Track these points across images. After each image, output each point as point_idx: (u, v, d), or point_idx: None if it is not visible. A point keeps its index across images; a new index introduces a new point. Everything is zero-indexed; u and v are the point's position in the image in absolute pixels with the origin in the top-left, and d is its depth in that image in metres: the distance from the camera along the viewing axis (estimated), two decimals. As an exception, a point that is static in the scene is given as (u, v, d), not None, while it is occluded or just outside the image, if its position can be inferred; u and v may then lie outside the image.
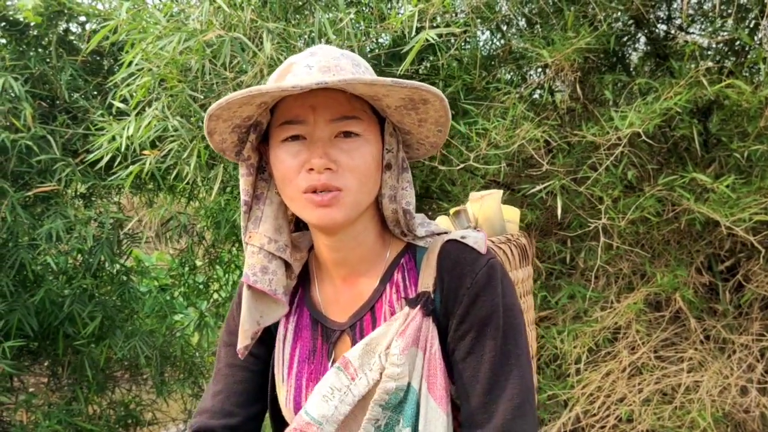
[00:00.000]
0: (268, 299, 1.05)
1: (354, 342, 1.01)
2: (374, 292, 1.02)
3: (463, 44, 2.29)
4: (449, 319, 0.98)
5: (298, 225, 1.14)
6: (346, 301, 1.05)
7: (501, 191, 1.14)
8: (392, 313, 1.00)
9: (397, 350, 0.94)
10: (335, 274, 1.06)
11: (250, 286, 1.03)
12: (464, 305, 0.97)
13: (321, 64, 0.95)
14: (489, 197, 1.23)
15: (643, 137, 2.00)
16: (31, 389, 3.06)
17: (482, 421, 0.95)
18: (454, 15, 2.22)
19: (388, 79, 0.89)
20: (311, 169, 0.93)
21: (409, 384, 0.95)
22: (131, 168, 2.07)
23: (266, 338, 1.11)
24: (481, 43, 2.55)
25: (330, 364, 1.02)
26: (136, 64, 1.89)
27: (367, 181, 0.97)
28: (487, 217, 1.14)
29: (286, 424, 1.07)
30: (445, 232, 1.06)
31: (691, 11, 2.45)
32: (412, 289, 1.01)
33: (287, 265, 1.07)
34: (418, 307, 0.97)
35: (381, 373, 0.95)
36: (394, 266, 1.04)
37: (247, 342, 1.04)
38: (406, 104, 0.97)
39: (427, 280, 0.99)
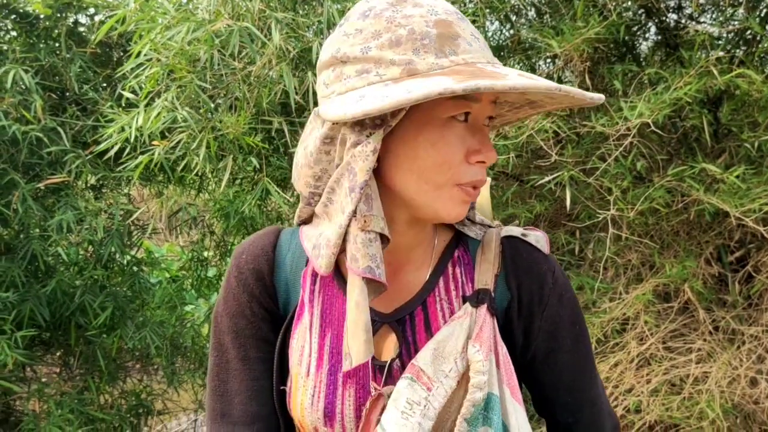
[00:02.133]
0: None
1: (402, 340, 0.90)
2: (426, 284, 0.91)
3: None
4: (528, 323, 0.92)
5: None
6: (392, 291, 0.92)
7: (490, 179, 1.09)
8: (451, 311, 0.90)
9: (481, 356, 0.84)
10: (385, 259, 0.90)
11: (370, 280, 0.83)
12: (554, 306, 0.91)
13: (478, 35, 0.82)
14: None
15: (653, 128, 1.99)
16: (43, 379, 3.10)
17: (594, 413, 0.97)
18: (463, 5, 2.21)
19: (597, 96, 0.78)
20: (480, 162, 0.81)
21: (490, 394, 0.86)
22: (140, 158, 2.08)
23: (277, 322, 0.96)
24: (490, 34, 2.54)
25: (370, 361, 0.87)
26: (145, 55, 1.90)
27: None
28: (480, 205, 1.09)
29: (291, 427, 0.95)
30: (490, 225, 0.98)
31: (702, 0, 2.43)
32: (469, 286, 0.91)
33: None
34: (485, 306, 0.88)
35: (458, 381, 0.85)
36: (447, 258, 0.93)
37: (370, 354, 0.83)
38: (515, 102, 0.90)
39: (484, 276, 0.90)
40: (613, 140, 2.03)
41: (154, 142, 2.03)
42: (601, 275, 2.31)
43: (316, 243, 0.87)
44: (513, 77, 0.73)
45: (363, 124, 0.79)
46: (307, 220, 0.96)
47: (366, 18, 0.81)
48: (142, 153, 2.12)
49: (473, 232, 0.95)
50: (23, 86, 2.59)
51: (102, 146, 2.25)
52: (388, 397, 0.86)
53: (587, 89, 2.36)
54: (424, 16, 0.79)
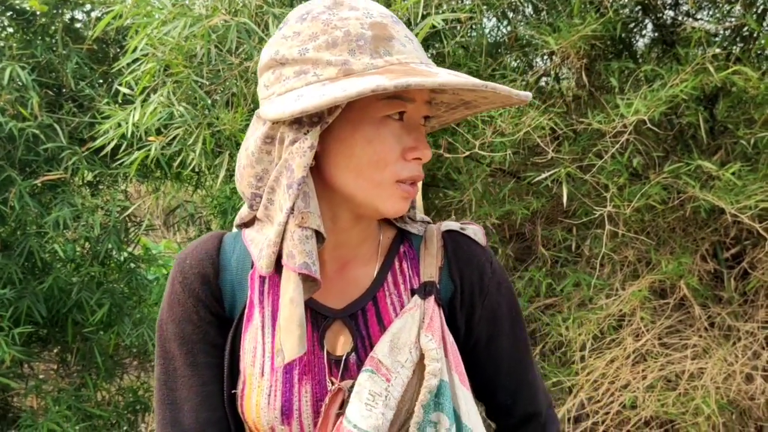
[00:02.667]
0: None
1: (355, 332, 0.91)
2: (375, 279, 0.94)
3: (469, 31, 2.29)
4: (470, 312, 0.96)
5: None
6: (341, 287, 0.94)
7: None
8: (401, 304, 0.93)
9: (434, 344, 0.88)
10: (330, 256, 0.93)
11: (306, 277, 0.85)
12: (493, 294, 0.96)
13: (412, 37, 0.86)
14: None
15: (649, 125, 1.99)
16: (40, 376, 3.10)
17: (530, 397, 1.02)
18: (460, 1, 2.21)
19: (523, 93, 0.82)
20: (417, 159, 0.85)
21: (441, 381, 0.89)
22: (136, 154, 2.08)
23: (224, 325, 0.95)
24: (487, 30, 2.55)
25: (325, 356, 0.90)
26: (141, 50, 1.90)
27: None
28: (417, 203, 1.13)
29: (238, 423, 0.95)
30: (429, 222, 1.02)
31: (698, -3, 2.43)
32: (415, 279, 0.95)
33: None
34: (432, 298, 0.92)
35: (413, 370, 0.88)
36: (393, 253, 0.96)
37: (303, 351, 0.84)
38: (450, 103, 0.93)
39: (429, 270, 0.94)
40: (610, 137, 2.04)
41: (150, 138, 2.03)
42: (598, 272, 2.31)
43: (261, 246, 0.88)
44: (443, 76, 0.77)
45: (301, 123, 0.81)
46: (248, 223, 0.97)
47: (303, 21, 0.84)
48: (139, 149, 2.12)
49: (415, 229, 0.98)
50: (20, 83, 2.59)
51: (98, 142, 2.25)
52: (348, 391, 0.88)
53: (584, 86, 2.36)
54: (359, 18, 0.82)
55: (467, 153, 2.08)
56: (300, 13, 0.85)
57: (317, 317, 0.92)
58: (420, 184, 0.94)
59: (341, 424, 0.87)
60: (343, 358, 0.91)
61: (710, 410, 2.07)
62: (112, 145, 2.18)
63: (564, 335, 2.34)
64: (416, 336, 0.89)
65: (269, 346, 0.91)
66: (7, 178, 2.54)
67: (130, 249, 3.05)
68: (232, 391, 0.93)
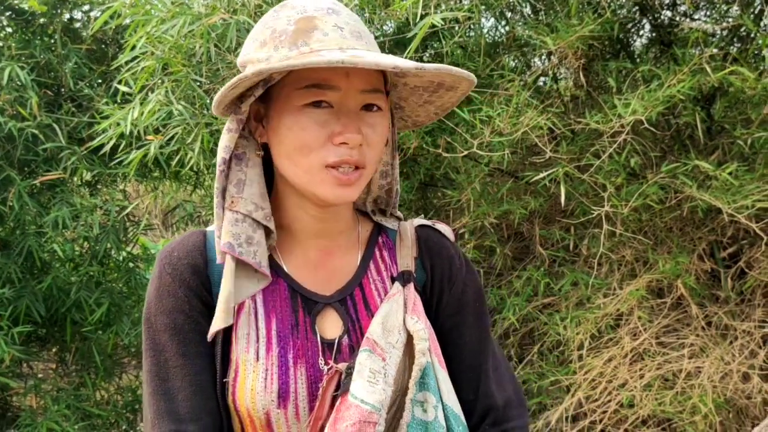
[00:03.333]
0: (246, 272, 0.94)
1: (345, 317, 0.96)
2: (359, 267, 1.00)
3: (467, 31, 2.29)
4: (440, 299, 1.02)
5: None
6: (327, 274, 0.98)
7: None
8: (385, 290, 0.99)
9: (421, 325, 0.94)
10: (312, 245, 0.98)
11: (233, 257, 0.91)
12: (459, 283, 1.02)
13: (350, 27, 0.89)
14: None
15: (646, 125, 2.00)
16: (39, 375, 3.10)
17: (498, 392, 1.03)
18: (459, 1, 2.22)
19: (465, 72, 0.86)
20: (343, 143, 0.87)
21: (426, 362, 0.96)
22: (135, 153, 2.09)
23: (214, 315, 0.95)
24: (485, 30, 2.55)
25: (318, 339, 0.94)
26: (140, 48, 1.90)
27: (380, 157, 0.96)
28: None
29: (228, 414, 0.96)
30: (401, 219, 1.08)
31: (695, -2, 2.44)
32: (394, 267, 1.01)
33: (267, 235, 0.97)
34: (411, 285, 0.98)
35: (403, 351, 0.94)
36: (373, 244, 1.03)
37: (228, 323, 0.91)
38: (430, 86, 0.95)
39: (406, 260, 1.01)
40: (607, 137, 2.05)
41: (149, 137, 2.03)
42: (596, 271, 2.32)
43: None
44: (335, 56, 0.81)
45: (234, 112, 0.91)
46: None
47: (257, 27, 0.93)
48: (138, 148, 2.13)
49: (390, 224, 1.06)
50: (19, 83, 2.59)
51: (97, 141, 2.25)
52: (344, 373, 0.92)
53: (582, 86, 2.37)
54: (290, 16, 0.89)
55: (465, 153, 2.09)
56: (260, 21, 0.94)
57: (308, 303, 0.96)
58: (372, 174, 0.95)
59: (346, 400, 0.89)
60: (336, 341, 0.95)
61: (707, 409, 2.08)
62: (111, 144, 2.18)
63: (562, 334, 2.35)
64: (402, 319, 0.95)
65: (264, 332, 0.94)
66: (6, 177, 2.55)
67: (128, 248, 3.06)
68: (223, 380, 0.94)
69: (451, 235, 1.06)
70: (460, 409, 0.99)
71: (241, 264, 0.92)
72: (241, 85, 0.84)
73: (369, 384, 0.88)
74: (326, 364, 0.92)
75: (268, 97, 0.92)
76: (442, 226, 1.06)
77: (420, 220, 1.07)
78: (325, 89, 0.87)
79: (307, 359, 0.93)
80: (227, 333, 0.94)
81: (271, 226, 0.95)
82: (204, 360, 0.94)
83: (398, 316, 0.95)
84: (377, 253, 1.02)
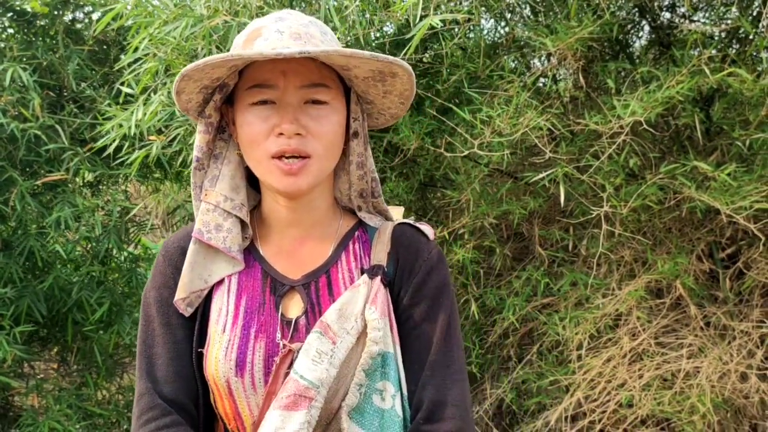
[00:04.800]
0: (219, 257, 1.06)
1: (307, 300, 1.03)
2: (330, 257, 1.07)
3: (467, 32, 2.31)
4: (401, 290, 1.06)
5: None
6: (298, 261, 1.07)
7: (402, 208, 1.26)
8: (351, 280, 1.05)
9: (377, 314, 0.99)
10: (287, 234, 1.08)
11: (200, 241, 1.05)
12: (421, 275, 1.05)
13: (292, 30, 0.98)
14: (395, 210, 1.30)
15: (645, 126, 2.01)
16: (40, 375, 3.11)
17: (435, 388, 1.02)
18: (458, 3, 2.23)
19: (366, 53, 0.94)
20: (281, 134, 0.97)
21: (386, 353, 1.00)
22: (137, 153, 2.10)
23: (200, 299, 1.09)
24: (485, 32, 2.57)
25: (279, 317, 1.03)
26: (143, 50, 1.91)
27: (333, 148, 1.02)
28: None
29: (204, 382, 1.05)
30: (390, 219, 1.14)
31: (694, -1, 2.45)
32: (366, 261, 1.07)
33: (242, 225, 1.08)
34: (379, 278, 1.03)
35: (357, 338, 0.99)
36: (348, 237, 1.09)
37: (184, 295, 1.04)
38: (375, 76, 1.02)
39: (380, 255, 1.06)
40: (607, 138, 2.06)
41: (151, 137, 2.04)
42: (595, 271, 2.33)
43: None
44: (258, 50, 0.93)
45: (201, 116, 1.05)
46: None
47: None
48: (140, 149, 2.14)
49: (373, 222, 1.12)
50: (21, 84, 2.60)
51: (100, 143, 2.26)
52: (297, 352, 0.99)
53: (581, 87, 2.38)
54: (248, 29, 1.01)
55: (466, 153, 2.10)
56: None
57: (276, 285, 1.06)
58: (325, 164, 1.02)
59: (289, 376, 0.97)
60: (294, 320, 1.03)
61: (705, 409, 2.09)
62: (114, 145, 2.19)
63: (561, 334, 2.35)
64: (362, 309, 1.00)
65: (232, 307, 1.04)
66: (8, 178, 2.56)
67: (130, 249, 3.07)
68: (199, 350, 1.05)
69: (430, 234, 1.10)
70: None
71: (215, 250, 1.05)
72: (186, 90, 0.98)
73: (312, 363, 0.96)
74: (283, 338, 1.01)
75: (235, 99, 1.04)
76: (422, 225, 1.11)
77: (404, 220, 1.12)
78: (265, 88, 0.98)
79: (268, 335, 1.02)
80: (206, 308, 1.06)
81: (242, 215, 1.06)
82: (184, 331, 1.06)
83: (358, 305, 1.00)
84: (351, 245, 1.08)
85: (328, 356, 0.97)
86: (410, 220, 1.12)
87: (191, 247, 1.05)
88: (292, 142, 0.97)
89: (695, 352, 2.24)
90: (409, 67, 0.99)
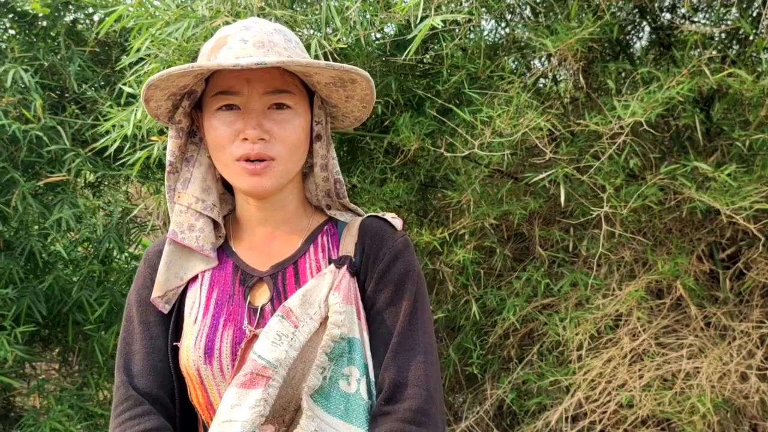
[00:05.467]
0: (194, 255, 1.12)
1: (273, 289, 1.07)
2: (299, 249, 1.11)
3: (467, 33, 2.31)
4: (367, 276, 1.08)
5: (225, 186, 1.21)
6: (268, 255, 1.11)
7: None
8: (318, 269, 1.08)
9: (338, 299, 1.02)
10: (257, 231, 1.13)
11: (174, 242, 1.10)
12: (385, 262, 1.07)
13: (256, 39, 1.02)
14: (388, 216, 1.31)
15: (646, 126, 2.01)
16: (42, 376, 3.12)
17: (396, 370, 1.03)
18: (458, 4, 2.24)
19: (322, 62, 0.99)
20: (245, 139, 1.01)
21: (352, 338, 1.03)
22: (139, 154, 2.10)
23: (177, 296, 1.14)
24: (485, 33, 2.57)
25: (246, 306, 1.07)
26: (144, 50, 1.92)
27: (297, 150, 1.06)
28: None
29: (181, 376, 1.09)
30: (361, 214, 1.18)
31: (695, 0, 2.46)
32: (335, 252, 1.10)
33: (215, 224, 1.13)
34: (345, 267, 1.06)
35: (320, 322, 1.02)
36: (318, 231, 1.13)
37: (161, 293, 1.09)
38: (335, 82, 1.06)
39: (348, 246, 1.10)
40: (607, 138, 2.06)
41: (153, 138, 2.05)
42: (595, 272, 2.33)
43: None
44: (220, 60, 0.98)
45: (171, 122, 1.10)
46: None
47: None
48: (142, 149, 2.14)
49: (344, 218, 1.16)
50: (23, 85, 2.61)
51: (101, 143, 2.27)
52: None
53: (582, 88, 2.39)
54: (215, 37, 1.05)
55: (466, 153, 2.11)
56: None
57: (245, 276, 1.10)
58: (288, 165, 1.05)
59: (248, 356, 1.00)
60: (260, 307, 1.06)
61: (705, 409, 2.09)
62: (115, 146, 2.20)
63: (561, 335, 2.36)
64: (326, 295, 1.03)
65: (204, 299, 1.09)
66: (10, 179, 2.57)
67: (130, 249, 3.08)
68: (174, 344, 1.09)
69: (398, 225, 1.13)
70: None
71: (188, 249, 1.11)
72: (154, 97, 1.03)
73: (272, 344, 0.99)
74: (249, 325, 1.04)
75: (203, 105, 1.08)
76: (389, 216, 1.15)
77: (373, 214, 1.16)
78: (229, 94, 1.02)
79: (235, 323, 1.06)
80: (181, 304, 1.11)
81: (213, 215, 1.12)
82: (160, 328, 1.11)
83: (322, 292, 1.04)
84: (320, 239, 1.12)
85: (288, 338, 1.00)
86: (379, 213, 1.16)
87: (166, 247, 1.11)
88: (256, 147, 1.01)
89: (695, 353, 2.24)
90: (367, 74, 1.03)
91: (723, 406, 2.18)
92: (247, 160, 1.02)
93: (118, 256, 2.98)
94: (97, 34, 2.65)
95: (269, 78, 1.02)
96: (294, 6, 2.06)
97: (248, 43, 1.01)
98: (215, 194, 1.13)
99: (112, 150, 2.25)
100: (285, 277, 1.09)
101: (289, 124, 1.04)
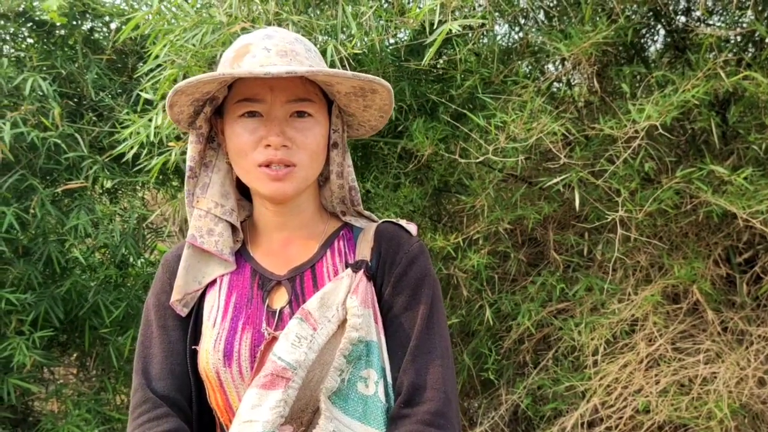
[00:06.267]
0: (213, 259, 1.13)
1: (291, 292, 1.09)
2: (316, 253, 1.13)
3: (480, 38, 2.32)
4: (384, 281, 1.09)
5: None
6: (285, 259, 1.13)
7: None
8: (335, 273, 1.10)
9: (356, 302, 1.03)
10: (275, 236, 1.14)
11: (193, 246, 1.12)
12: (402, 266, 1.09)
13: (278, 47, 1.04)
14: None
15: (661, 130, 2.01)
16: (60, 380, 3.15)
17: (415, 373, 1.03)
18: (472, 9, 2.24)
19: (349, 72, 1.01)
20: (268, 145, 1.03)
21: (369, 341, 1.04)
22: (157, 160, 2.12)
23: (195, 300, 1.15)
24: (498, 37, 2.57)
25: (265, 309, 1.08)
26: (164, 56, 1.94)
27: (317, 157, 1.08)
28: None
29: (200, 379, 1.10)
30: (376, 220, 1.19)
31: (710, 3, 2.45)
32: (351, 257, 1.12)
33: (233, 228, 1.15)
34: (362, 271, 1.07)
35: (338, 325, 1.03)
36: (334, 236, 1.15)
37: (179, 296, 1.11)
38: (356, 92, 1.08)
39: (364, 251, 1.11)
40: (622, 142, 2.05)
41: (171, 143, 2.07)
42: (610, 276, 2.32)
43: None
44: (248, 68, 0.99)
45: (192, 127, 1.11)
46: None
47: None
48: (159, 155, 2.16)
49: (359, 223, 1.17)
50: (41, 93, 2.65)
51: (119, 149, 2.29)
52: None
53: (596, 92, 2.38)
54: (236, 46, 1.07)
55: (480, 158, 2.11)
56: None
57: (264, 281, 1.11)
58: (308, 172, 1.07)
59: (268, 358, 1.02)
60: (278, 310, 1.08)
61: (723, 414, 2.07)
62: (132, 152, 2.22)
63: (576, 340, 2.35)
64: (344, 298, 1.05)
65: (222, 303, 1.11)
66: (29, 186, 2.60)
67: (146, 255, 3.10)
68: (193, 347, 1.10)
69: (412, 230, 1.15)
70: None
71: (207, 253, 1.12)
72: (178, 103, 1.04)
73: (291, 346, 1.00)
74: (268, 328, 1.06)
75: (224, 111, 1.09)
76: (404, 222, 1.16)
77: (388, 220, 1.17)
78: (253, 102, 1.04)
79: (254, 326, 1.07)
80: (200, 308, 1.12)
81: (232, 219, 1.13)
82: (179, 332, 1.12)
83: (340, 295, 1.05)
84: (336, 243, 1.14)
85: (307, 341, 1.01)
86: (394, 219, 1.17)
87: (185, 251, 1.12)
88: (279, 153, 1.03)
89: (712, 358, 2.23)
90: (388, 84, 1.05)
91: (740, 412, 2.16)
92: (269, 165, 1.03)
93: (134, 262, 3.00)
94: (115, 42, 2.69)
95: (292, 87, 1.04)
96: (308, 11, 2.07)
97: (271, 51, 1.03)
98: (233, 199, 1.15)
99: (129, 156, 2.28)
100: (303, 280, 1.10)
101: (310, 132, 1.06)
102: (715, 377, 2.16)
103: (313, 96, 1.07)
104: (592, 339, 2.30)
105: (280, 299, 1.10)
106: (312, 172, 1.08)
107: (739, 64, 2.21)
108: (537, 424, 2.62)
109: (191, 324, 1.12)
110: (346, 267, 1.10)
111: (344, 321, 1.04)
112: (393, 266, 1.09)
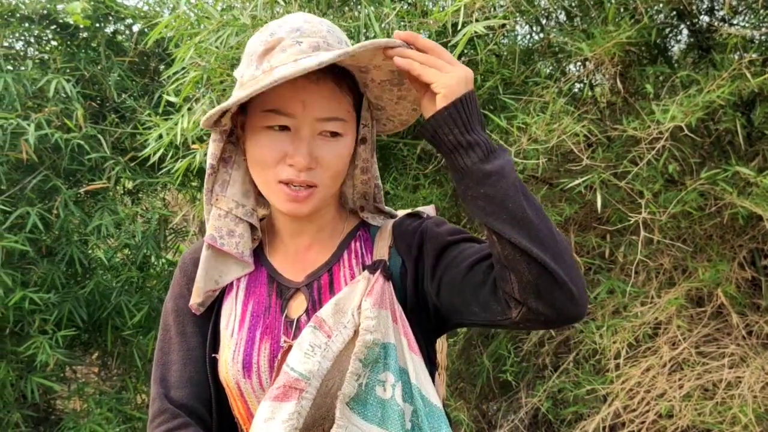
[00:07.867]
0: (231, 260, 1.10)
1: (309, 299, 1.06)
2: (332, 256, 1.10)
3: (501, 38, 2.30)
4: (415, 265, 1.05)
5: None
6: (302, 264, 1.10)
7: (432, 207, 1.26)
8: (352, 277, 1.07)
9: (369, 305, 1.00)
10: (292, 242, 1.11)
11: (212, 247, 1.07)
12: (427, 232, 1.05)
13: (309, 41, 0.97)
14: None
15: (685, 131, 1.98)
16: (82, 379, 3.18)
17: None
18: (493, 9, 2.23)
19: (390, 40, 0.93)
20: (292, 165, 0.98)
21: (386, 344, 1.01)
22: (181, 163, 2.14)
23: (212, 303, 1.12)
24: (519, 37, 2.56)
25: (283, 319, 1.06)
26: (189, 58, 1.95)
27: (340, 177, 1.05)
28: None
29: (220, 387, 1.08)
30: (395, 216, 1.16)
31: (734, 2, 2.41)
32: (369, 257, 1.09)
33: (252, 228, 1.11)
34: (378, 271, 1.03)
35: (355, 330, 1.00)
36: (351, 237, 1.12)
37: (200, 299, 1.08)
38: (392, 79, 1.03)
39: (382, 250, 1.08)
40: (645, 144, 2.03)
41: (194, 146, 2.08)
42: (633, 279, 2.30)
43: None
44: (277, 74, 0.91)
45: (216, 125, 1.04)
46: None
47: (247, 45, 1.04)
48: (183, 157, 2.18)
49: (376, 221, 1.13)
50: (65, 95, 2.68)
51: (145, 152, 2.31)
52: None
53: (619, 92, 2.36)
54: (263, 38, 0.99)
55: (501, 160, 2.09)
56: None
57: (282, 289, 1.09)
58: (329, 191, 1.04)
59: (282, 369, 0.99)
60: (296, 319, 1.06)
61: (747, 419, 2.04)
62: (158, 155, 2.24)
63: (598, 343, 2.33)
64: (359, 303, 1.01)
65: (239, 312, 1.08)
66: (52, 187, 2.63)
67: (167, 255, 3.13)
68: (213, 355, 1.08)
69: (430, 212, 1.13)
70: (433, 392, 1.03)
71: (226, 254, 1.08)
72: (214, 112, 0.99)
73: (305, 356, 0.98)
74: (286, 338, 1.03)
75: (247, 109, 1.03)
76: (421, 208, 1.13)
77: (404, 211, 1.14)
78: (281, 115, 0.98)
79: (273, 336, 1.05)
80: (218, 315, 1.10)
81: (253, 220, 1.09)
82: (197, 339, 1.10)
83: (355, 300, 1.01)
84: (353, 245, 1.11)
85: (321, 349, 0.98)
86: (410, 210, 1.14)
87: (204, 252, 1.08)
88: (302, 175, 0.98)
89: (737, 362, 2.19)
90: None
91: (765, 417, 2.13)
92: (289, 184, 0.99)
93: (155, 263, 3.03)
94: (142, 44, 2.71)
95: (325, 101, 0.99)
96: (329, 13, 2.08)
97: (303, 44, 0.97)
98: (253, 197, 1.10)
99: (155, 159, 2.29)
100: (320, 285, 1.08)
101: (338, 152, 1.01)
102: (740, 382, 2.13)
103: (345, 112, 1.01)
104: (614, 342, 2.28)
105: (298, 308, 1.07)
106: (332, 191, 1.05)
107: (764, 64, 2.17)
108: (557, 427, 2.60)
109: (210, 331, 1.10)
110: (363, 269, 1.07)
111: (360, 325, 1.01)
112: (422, 240, 1.05)
